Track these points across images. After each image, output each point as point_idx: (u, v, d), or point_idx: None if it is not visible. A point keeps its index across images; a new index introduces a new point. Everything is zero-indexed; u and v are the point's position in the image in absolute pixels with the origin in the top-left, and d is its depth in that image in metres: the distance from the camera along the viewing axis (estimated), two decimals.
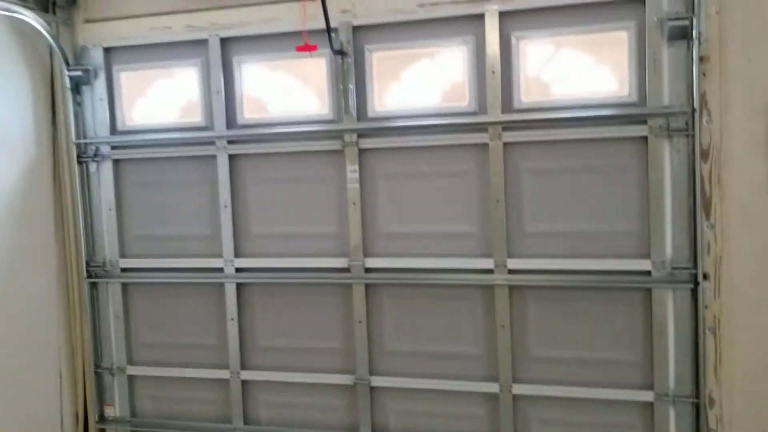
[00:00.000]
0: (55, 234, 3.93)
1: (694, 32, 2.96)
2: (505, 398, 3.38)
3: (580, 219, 3.25)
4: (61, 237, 3.96)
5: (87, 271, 3.95)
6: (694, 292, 3.08)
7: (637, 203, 3.16)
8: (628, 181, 3.17)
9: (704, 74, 2.98)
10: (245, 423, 3.80)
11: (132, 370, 3.99)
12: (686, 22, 2.98)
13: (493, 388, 3.40)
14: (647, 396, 3.19)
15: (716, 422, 3.08)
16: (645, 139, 3.11)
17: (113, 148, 3.91)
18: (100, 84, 3.87)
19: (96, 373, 4.00)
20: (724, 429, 3.08)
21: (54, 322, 3.92)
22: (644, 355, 3.21)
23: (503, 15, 3.25)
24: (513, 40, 3.27)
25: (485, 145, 3.33)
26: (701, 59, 2.97)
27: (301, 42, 3.17)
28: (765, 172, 2.96)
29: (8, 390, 3.59)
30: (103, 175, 3.92)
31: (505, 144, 3.29)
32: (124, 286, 3.97)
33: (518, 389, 3.37)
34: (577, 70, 3.25)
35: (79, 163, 3.92)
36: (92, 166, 3.93)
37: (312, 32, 3.17)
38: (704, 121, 3.00)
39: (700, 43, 2.96)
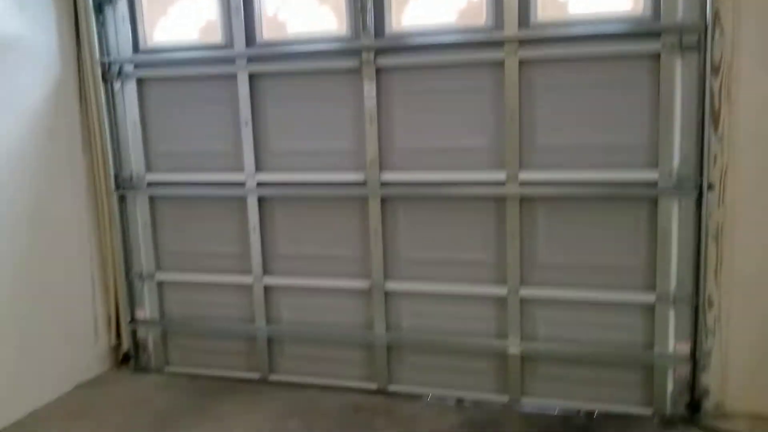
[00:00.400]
0: (83, 149, 4.20)
1: None
2: (513, 300, 3.69)
3: (591, 132, 3.45)
4: (89, 152, 4.23)
5: (115, 184, 4.23)
6: (699, 202, 3.30)
7: (648, 117, 3.35)
8: (640, 96, 3.34)
9: None
10: (267, 323, 4.18)
11: (161, 276, 4.34)
12: None
13: (501, 291, 3.71)
14: (649, 297, 3.48)
15: (714, 322, 3.39)
16: (657, 55, 3.26)
17: (136, 66, 4.11)
18: (122, 4, 4.04)
19: (127, 279, 4.35)
20: (721, 328, 3.39)
21: (85, 233, 4.25)
22: (648, 261, 3.47)
23: None
24: None
25: (501, 63, 3.48)
26: None
27: None
28: None
29: (45, 296, 3.94)
30: (128, 93, 4.14)
31: (521, 61, 3.45)
32: (151, 199, 4.26)
33: (525, 292, 3.67)
34: None
35: (104, 81, 4.13)
36: (116, 85, 4.15)
37: None
38: (717, 36, 3.14)
39: None
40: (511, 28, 3.43)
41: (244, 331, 4.23)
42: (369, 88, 3.70)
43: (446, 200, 3.75)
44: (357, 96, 3.75)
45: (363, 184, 3.82)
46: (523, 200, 3.59)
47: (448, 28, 3.58)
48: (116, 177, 4.24)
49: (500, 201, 3.63)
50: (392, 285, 3.90)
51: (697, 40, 3.19)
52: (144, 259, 4.34)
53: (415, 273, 3.88)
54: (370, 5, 3.61)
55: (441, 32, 3.58)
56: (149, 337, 4.43)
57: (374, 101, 3.70)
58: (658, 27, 3.23)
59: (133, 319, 4.43)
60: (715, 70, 3.16)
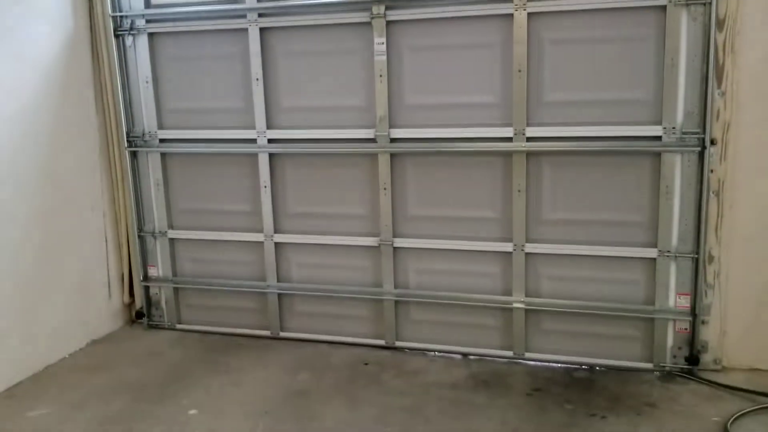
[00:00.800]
0: (95, 105, 4.44)
1: None
2: (518, 256, 3.93)
3: (597, 88, 3.65)
4: (101, 109, 4.48)
5: (127, 141, 4.48)
6: (702, 157, 3.51)
7: (653, 72, 3.54)
8: (645, 51, 3.54)
9: None
10: (278, 281, 4.44)
11: (173, 234, 4.61)
12: None
13: (507, 247, 3.95)
14: (651, 253, 3.71)
15: (714, 277, 3.61)
16: (664, 8, 3.44)
17: (148, 21, 4.33)
18: None
19: (139, 236, 4.63)
20: (720, 283, 3.62)
21: (98, 189, 4.51)
22: (650, 216, 3.69)
23: None
24: None
25: (510, 16, 3.68)
26: None
27: None
28: None
29: (59, 252, 4.20)
30: (139, 48, 4.37)
31: (529, 14, 3.64)
32: (163, 155, 4.51)
33: (530, 248, 3.91)
34: None
35: (116, 36, 4.36)
36: (128, 40, 4.37)
37: None
38: None
39: None
40: None
41: (256, 288, 4.50)
42: (379, 42, 3.90)
43: (454, 156, 3.96)
44: (367, 51, 3.96)
45: (373, 140, 4.04)
46: (530, 156, 3.81)
47: None
48: (128, 133, 4.49)
49: (507, 156, 3.85)
50: (400, 242, 4.15)
51: None
52: (156, 216, 4.61)
53: (423, 230, 4.12)
54: None
55: None
56: (162, 294, 4.72)
57: (384, 56, 3.91)
58: None
59: (146, 277, 4.71)
60: (720, 24, 3.34)
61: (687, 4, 3.39)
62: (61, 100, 4.17)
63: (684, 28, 3.43)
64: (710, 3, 3.34)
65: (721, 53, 3.37)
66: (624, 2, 3.50)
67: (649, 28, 3.50)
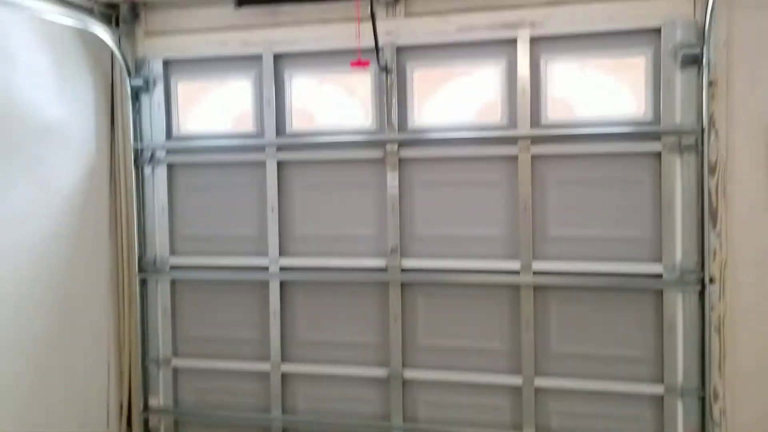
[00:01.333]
0: (109, 232, 4.80)
1: (704, 59, 3.80)
2: (528, 390, 4.18)
3: (599, 226, 4.08)
4: (114, 235, 4.83)
5: (138, 267, 4.81)
6: (702, 294, 3.89)
7: (651, 212, 4.00)
8: (643, 192, 4.01)
9: (713, 97, 3.81)
10: (283, 413, 4.63)
11: (177, 362, 4.84)
12: (697, 51, 3.82)
13: (516, 381, 4.21)
14: (658, 389, 3.99)
15: (719, 414, 3.87)
16: (659, 154, 3.95)
17: (168, 152, 4.79)
18: (158, 93, 4.77)
19: (142, 365, 4.83)
20: (727, 421, 3.88)
21: (105, 316, 4.76)
22: (655, 352, 4.02)
23: (534, 40, 4.12)
24: (542, 63, 4.14)
25: (515, 157, 4.17)
26: (710, 83, 3.81)
27: (349, 58, 4.17)
28: (767, 187, 3.77)
29: (61, 382, 4.33)
30: (158, 177, 4.81)
31: (533, 156, 4.14)
32: (173, 282, 4.83)
33: (540, 382, 4.18)
34: (598, 90, 4.10)
35: (135, 166, 4.80)
36: (147, 170, 4.82)
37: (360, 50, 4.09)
38: (712, 139, 3.82)
39: (709, 70, 3.81)
40: (524, 127, 4.14)
41: (259, 421, 4.68)
42: (392, 178, 4.36)
43: (464, 287, 4.32)
44: (380, 185, 4.42)
45: (384, 270, 4.41)
46: (537, 289, 4.18)
47: (467, 125, 4.29)
48: (140, 260, 4.83)
49: (514, 289, 4.22)
50: (410, 373, 4.41)
51: (694, 141, 3.88)
52: (161, 344, 4.85)
53: (433, 361, 4.40)
54: (394, 100, 4.34)
55: (460, 128, 4.29)
56: (161, 426, 4.87)
57: (396, 190, 4.36)
58: (659, 129, 3.94)
59: (146, 408, 4.88)
60: (712, 169, 3.83)
61: (680, 152, 3.89)
62: (77, 229, 4.50)
63: (678, 173, 3.92)
64: (701, 151, 3.84)
65: (714, 197, 3.83)
66: (621, 148, 4.01)
67: (646, 172, 4.00)
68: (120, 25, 4.77)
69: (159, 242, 4.82)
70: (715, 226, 3.83)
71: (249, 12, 4.57)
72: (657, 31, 3.95)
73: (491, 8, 4.17)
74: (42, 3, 3.87)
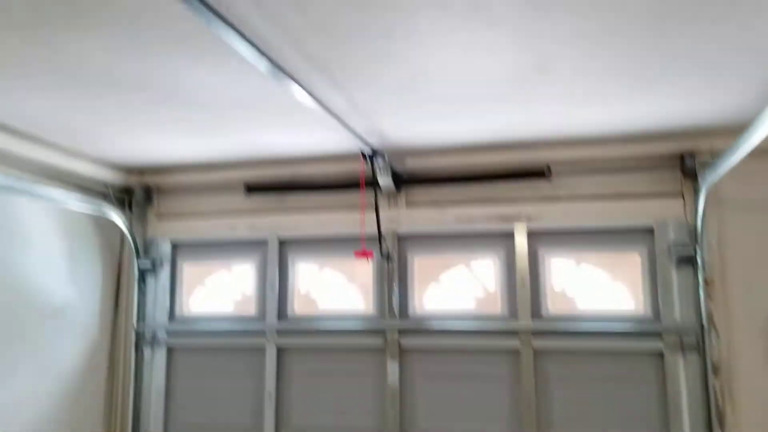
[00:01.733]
0: (104, 415, 4.83)
1: (698, 259, 3.99)
2: None
3: (606, 425, 4.08)
4: (108, 418, 4.86)
5: None
6: None
7: (657, 412, 4.01)
8: (648, 391, 4.05)
9: (710, 296, 3.96)
10: None
11: None
12: (691, 251, 4.02)
13: None
14: None
15: None
16: (661, 353, 4.03)
17: (169, 334, 4.94)
18: (164, 274, 5.01)
19: None
20: None
21: None
22: None
23: (531, 233, 4.36)
24: (540, 256, 4.35)
25: (516, 351, 4.27)
26: (706, 282, 3.97)
27: (351, 245, 4.41)
28: None
29: None
30: (157, 361, 4.92)
31: (535, 351, 4.23)
32: None
33: None
34: (597, 285, 4.28)
35: (136, 348, 4.93)
36: (147, 353, 4.94)
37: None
38: (713, 338, 3.91)
39: (704, 269, 3.98)
40: (524, 318, 4.27)
41: None
42: (392, 367, 4.44)
43: None
44: (380, 374, 4.49)
45: None
46: None
47: (467, 314, 4.44)
48: None
49: None
50: None
51: (695, 340, 3.97)
52: None
53: None
54: (396, 288, 4.51)
55: (460, 317, 4.42)
56: None
57: (397, 381, 4.42)
58: (659, 327, 4.05)
59: None
60: (716, 369, 3.89)
61: (682, 351, 3.98)
62: (72, 409, 4.54)
63: (682, 373, 3.98)
64: (704, 351, 3.93)
65: (720, 399, 3.85)
66: (623, 346, 4.11)
67: (650, 371, 4.06)
68: (133, 208, 5.10)
69: (153, 428, 4.84)
70: (723, 429, 3.82)
71: (257, 198, 4.90)
72: (650, 231, 4.17)
73: (488, 201, 4.46)
74: (61, 191, 4.17)
